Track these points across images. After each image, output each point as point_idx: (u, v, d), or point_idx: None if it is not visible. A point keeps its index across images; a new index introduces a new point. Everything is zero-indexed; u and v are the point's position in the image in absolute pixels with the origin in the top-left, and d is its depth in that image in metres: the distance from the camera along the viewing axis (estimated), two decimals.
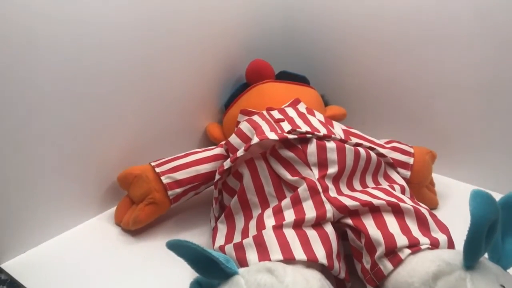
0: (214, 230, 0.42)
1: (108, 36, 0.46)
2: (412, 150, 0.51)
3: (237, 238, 0.39)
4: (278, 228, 0.36)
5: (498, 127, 0.54)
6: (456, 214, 0.50)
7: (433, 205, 0.52)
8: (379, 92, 0.62)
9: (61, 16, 0.41)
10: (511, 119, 0.53)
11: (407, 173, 0.49)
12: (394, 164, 0.47)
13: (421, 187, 0.51)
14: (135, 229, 0.47)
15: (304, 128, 0.44)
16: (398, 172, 0.47)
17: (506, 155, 0.55)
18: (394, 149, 0.50)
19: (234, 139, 0.46)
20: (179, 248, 0.31)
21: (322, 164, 0.41)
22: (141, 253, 0.45)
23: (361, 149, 0.43)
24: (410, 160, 0.50)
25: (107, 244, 0.46)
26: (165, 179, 0.46)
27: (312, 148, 0.41)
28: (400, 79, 0.60)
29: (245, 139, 0.45)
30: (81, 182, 0.48)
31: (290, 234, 0.35)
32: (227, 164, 0.42)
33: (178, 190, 0.46)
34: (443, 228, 0.36)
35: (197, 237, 0.47)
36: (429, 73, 0.57)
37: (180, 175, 0.47)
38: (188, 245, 0.30)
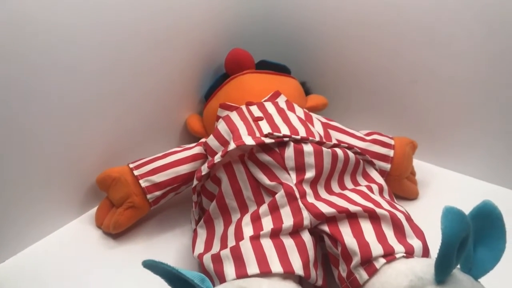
0: (194, 235, 0.42)
1: (82, 34, 0.45)
2: (392, 142, 0.51)
3: (216, 246, 0.39)
4: (255, 238, 0.36)
5: (482, 113, 0.54)
6: (437, 202, 0.51)
7: (413, 196, 0.53)
8: (361, 78, 0.61)
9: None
10: (496, 105, 0.53)
11: (387, 166, 0.49)
12: (373, 162, 0.47)
13: (402, 178, 0.51)
14: (116, 232, 0.47)
15: (282, 129, 0.43)
16: (376, 170, 0.47)
17: (490, 141, 0.55)
18: (374, 141, 0.50)
19: (212, 141, 0.46)
20: (155, 268, 0.31)
21: (300, 168, 0.40)
22: (123, 256, 0.45)
23: (338, 150, 0.43)
24: (390, 153, 0.50)
25: (88, 248, 0.46)
26: (143, 183, 0.46)
27: (289, 152, 0.41)
28: (382, 65, 0.59)
29: (223, 141, 0.45)
30: (60, 183, 0.47)
31: (267, 245, 0.35)
32: (204, 169, 0.42)
33: (158, 193, 0.46)
34: (419, 234, 0.37)
35: (179, 237, 0.47)
36: (411, 58, 0.56)
37: (159, 177, 0.46)
38: (163, 267, 0.30)
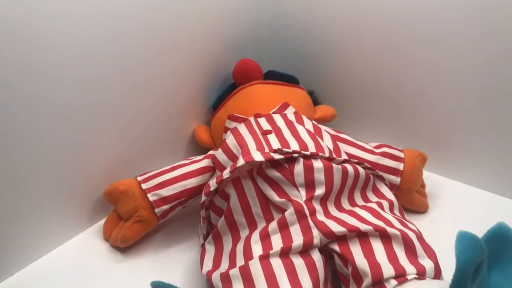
0: (202, 250, 0.42)
1: (88, 44, 0.44)
2: (402, 155, 0.50)
3: (224, 263, 0.39)
4: (264, 258, 0.36)
5: (492, 125, 0.53)
6: (447, 215, 0.51)
7: (423, 209, 0.52)
8: (370, 88, 0.61)
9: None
10: (507, 116, 0.52)
11: (397, 180, 0.49)
12: (383, 177, 0.46)
13: (412, 192, 0.51)
14: (124, 246, 0.46)
15: (292, 144, 0.43)
16: (387, 185, 0.46)
17: (500, 153, 0.54)
18: (384, 154, 0.49)
19: (220, 155, 0.46)
20: None
21: (309, 185, 0.40)
22: (131, 271, 0.44)
23: (348, 166, 0.42)
24: (400, 166, 0.49)
25: (96, 262, 0.46)
26: (151, 196, 0.46)
27: (299, 168, 0.40)
28: (391, 75, 0.58)
29: (232, 156, 0.44)
30: (67, 195, 0.47)
31: (277, 265, 0.35)
32: (213, 185, 0.41)
33: (165, 207, 0.46)
34: (430, 253, 0.36)
35: (186, 252, 0.47)
36: (420, 70, 0.56)
37: (167, 191, 0.46)
38: None
